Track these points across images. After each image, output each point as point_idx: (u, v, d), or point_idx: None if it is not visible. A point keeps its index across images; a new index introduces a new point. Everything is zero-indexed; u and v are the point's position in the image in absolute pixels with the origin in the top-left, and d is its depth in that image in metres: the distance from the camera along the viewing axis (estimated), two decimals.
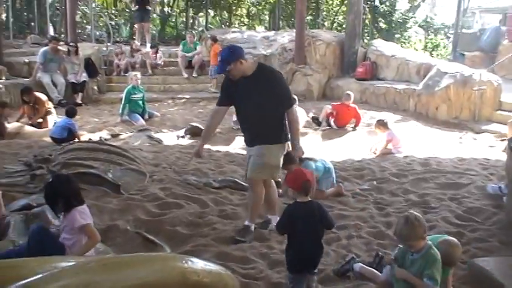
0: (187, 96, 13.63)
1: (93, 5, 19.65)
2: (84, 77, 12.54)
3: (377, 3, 20.90)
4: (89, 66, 12.94)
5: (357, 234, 4.84)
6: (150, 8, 16.15)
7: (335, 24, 21.90)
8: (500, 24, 16.92)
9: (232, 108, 4.87)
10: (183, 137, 9.54)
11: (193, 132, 9.30)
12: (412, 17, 22.36)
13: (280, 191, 5.61)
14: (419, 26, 23.38)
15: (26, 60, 13.02)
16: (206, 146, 7.77)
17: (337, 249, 4.53)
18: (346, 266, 3.99)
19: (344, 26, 16.98)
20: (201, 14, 22.45)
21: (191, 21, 22.40)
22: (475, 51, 16.49)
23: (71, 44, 13.00)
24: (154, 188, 5.80)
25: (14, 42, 15.37)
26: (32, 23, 18.90)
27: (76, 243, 3.55)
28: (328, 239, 4.69)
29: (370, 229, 5.00)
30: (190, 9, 22.62)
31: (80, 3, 18.77)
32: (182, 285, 2.40)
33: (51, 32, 17.78)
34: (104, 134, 9.35)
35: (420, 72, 12.66)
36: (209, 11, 22.37)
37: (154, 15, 20.68)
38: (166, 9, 22.48)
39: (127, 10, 20.74)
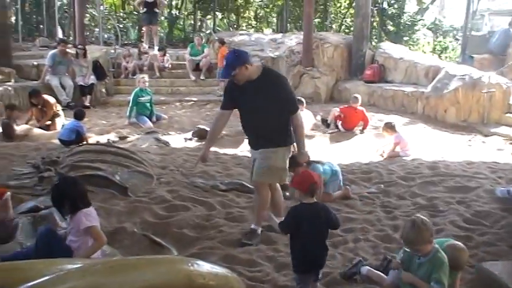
0: (195, 99, 13.65)
1: (102, 7, 19.77)
2: (92, 79, 12.60)
3: (385, 5, 20.85)
4: (97, 68, 13.00)
5: (364, 238, 4.83)
6: (158, 11, 16.18)
7: (343, 27, 21.86)
8: (509, 26, 16.76)
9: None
10: (190, 139, 9.55)
11: (201, 135, 9.31)
12: (420, 20, 22.24)
13: (287, 193, 5.61)
14: (428, 28, 23.25)
15: (35, 63, 13.10)
16: (213, 149, 7.82)
17: (344, 252, 4.52)
18: (353, 269, 3.97)
19: (352, 28, 16.97)
20: (208, 16, 22.49)
21: (199, 23, 22.47)
22: (484, 53, 16.37)
23: (80, 46, 13.06)
24: (162, 191, 5.81)
25: (23, 45, 15.47)
26: (41, 26, 19.02)
27: (82, 246, 3.55)
28: (335, 242, 4.68)
29: (377, 232, 4.98)
30: (198, 11, 22.69)
31: (88, 6, 18.86)
32: (188, 287, 2.40)
33: (59, 34, 17.89)
34: (112, 137, 9.39)
35: (429, 74, 12.60)
36: (217, 13, 22.40)
37: (162, 18, 20.74)
38: (174, 11, 22.53)
39: (135, 13, 20.80)
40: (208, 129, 8.82)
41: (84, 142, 7.96)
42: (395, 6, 21.06)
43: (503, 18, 22.67)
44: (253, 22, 24.06)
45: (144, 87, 11.05)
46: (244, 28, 22.30)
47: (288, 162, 4.72)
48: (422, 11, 23.25)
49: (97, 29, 19.23)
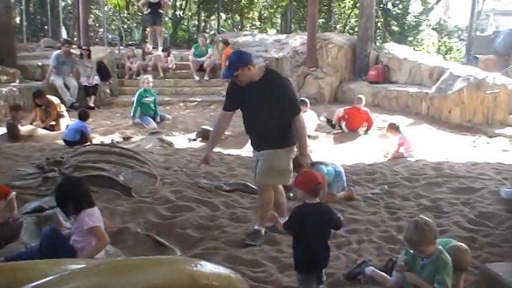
0: (199, 99, 13.66)
1: (106, 8, 19.79)
2: (96, 80, 12.63)
3: (390, 6, 20.81)
4: (101, 69, 13.05)
5: (368, 239, 4.82)
6: (162, 12, 16.22)
7: (347, 27, 21.84)
8: None
9: None
10: (194, 140, 9.56)
11: (205, 135, 9.31)
12: (425, 20, 22.20)
13: (291, 194, 5.61)
14: (433, 28, 23.19)
15: (39, 64, 13.15)
16: (217, 149, 7.83)
17: (347, 253, 4.51)
18: (357, 269, 3.96)
19: (356, 29, 16.94)
20: (213, 17, 22.50)
21: (203, 24, 22.47)
22: (489, 54, 16.35)
23: (84, 47, 13.11)
24: (165, 191, 5.81)
25: (27, 46, 15.53)
26: (45, 27, 19.08)
27: (86, 246, 3.56)
28: (338, 243, 4.68)
29: (381, 233, 4.97)
30: (202, 12, 22.70)
31: (92, 7, 18.92)
32: None
33: (64, 35, 17.96)
34: (116, 137, 9.41)
35: (433, 75, 12.57)
36: (221, 14, 22.41)
37: (167, 19, 20.76)
38: (178, 12, 22.57)
39: (139, 13, 20.85)
40: (212, 129, 8.90)
41: (89, 143, 7.98)
42: (400, 6, 21.03)
43: (508, 19, 22.65)
44: (258, 23, 24.08)
45: (148, 87, 11.07)
46: (248, 29, 22.32)
47: (291, 163, 4.71)
48: (427, 11, 23.18)
49: (101, 30, 19.29)
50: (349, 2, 22.43)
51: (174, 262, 2.74)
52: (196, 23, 23.02)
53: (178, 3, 22.77)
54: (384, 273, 3.86)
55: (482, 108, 10.75)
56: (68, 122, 9.63)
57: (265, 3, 23.70)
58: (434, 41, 23.31)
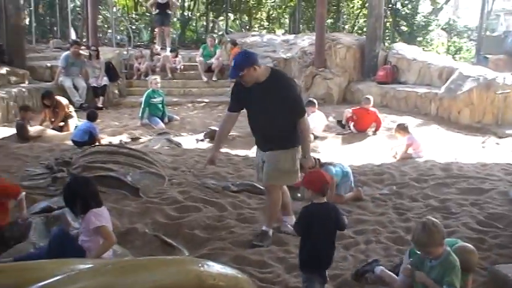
0: (207, 100, 13.68)
1: (114, 9, 19.88)
2: (105, 80, 12.68)
3: (399, 5, 20.73)
4: (110, 70, 13.08)
5: (376, 239, 4.80)
6: (170, 12, 16.24)
7: (356, 28, 21.77)
8: None
9: None
10: (202, 140, 9.56)
11: (212, 136, 9.29)
12: (434, 20, 22.08)
13: (299, 194, 5.60)
14: (442, 28, 23.07)
15: (48, 65, 13.21)
16: (224, 150, 7.83)
17: (355, 254, 4.50)
18: (367, 267, 3.94)
19: (365, 29, 16.90)
20: (221, 17, 22.53)
21: (211, 25, 22.51)
22: (499, 54, 16.25)
23: (92, 48, 13.16)
24: (173, 192, 5.82)
25: (36, 47, 15.60)
26: (54, 28, 19.20)
27: (93, 245, 3.57)
28: (346, 244, 4.67)
29: (389, 234, 4.95)
30: (211, 13, 22.74)
31: (101, 8, 18.99)
32: None
33: (72, 36, 18.02)
34: (124, 138, 9.44)
35: (442, 75, 12.49)
36: (229, 14, 22.44)
37: (175, 19, 20.82)
38: (186, 13, 22.61)
39: (147, 14, 20.91)
40: None
41: (97, 143, 8.01)
42: (409, 6, 20.92)
43: None
44: (266, 23, 24.05)
45: (156, 88, 11.09)
46: (256, 29, 22.31)
47: (298, 163, 4.70)
48: (437, 11, 23.07)
49: (110, 31, 19.36)
50: (358, 2, 22.38)
51: (181, 262, 2.75)
52: (205, 23, 23.07)
53: (186, 4, 22.81)
54: (392, 274, 3.84)
55: (492, 109, 10.68)
56: (76, 122, 9.66)
57: (273, 4, 23.69)
58: (443, 41, 23.20)
